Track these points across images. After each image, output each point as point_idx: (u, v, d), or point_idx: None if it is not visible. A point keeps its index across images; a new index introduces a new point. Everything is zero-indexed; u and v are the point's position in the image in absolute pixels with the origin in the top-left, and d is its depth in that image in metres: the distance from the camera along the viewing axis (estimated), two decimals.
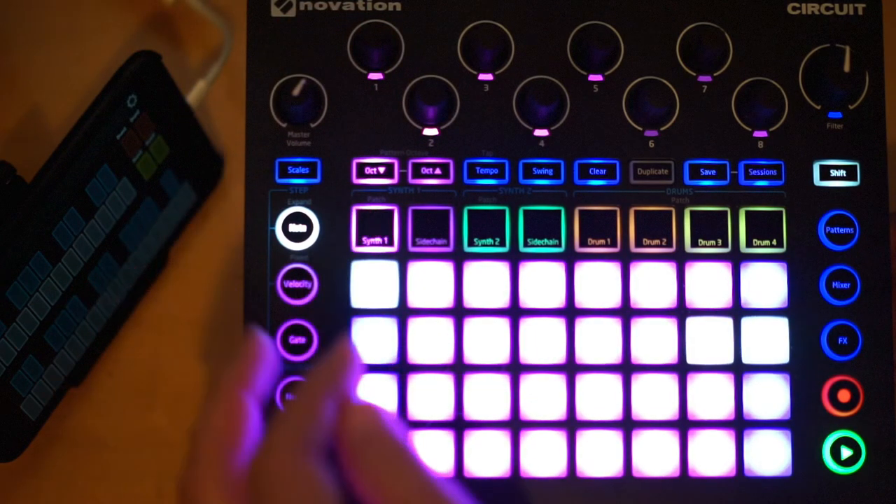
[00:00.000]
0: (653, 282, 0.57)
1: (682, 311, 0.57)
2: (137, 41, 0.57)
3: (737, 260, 0.58)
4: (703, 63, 0.58)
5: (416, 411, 0.57)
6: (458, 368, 0.57)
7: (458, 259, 0.57)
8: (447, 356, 0.57)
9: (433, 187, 0.58)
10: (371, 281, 0.57)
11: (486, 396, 0.57)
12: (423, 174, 0.57)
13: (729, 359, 0.57)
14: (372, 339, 0.57)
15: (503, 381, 0.57)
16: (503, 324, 0.57)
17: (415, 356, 0.57)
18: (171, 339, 0.57)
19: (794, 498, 0.57)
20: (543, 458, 0.57)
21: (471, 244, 0.57)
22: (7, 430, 0.55)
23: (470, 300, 0.57)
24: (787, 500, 0.57)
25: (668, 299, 0.57)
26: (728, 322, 0.57)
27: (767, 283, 0.57)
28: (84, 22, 0.57)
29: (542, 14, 0.58)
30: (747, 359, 0.57)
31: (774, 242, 0.58)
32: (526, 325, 0.57)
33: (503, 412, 0.57)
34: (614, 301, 0.57)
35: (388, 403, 0.57)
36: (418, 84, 0.58)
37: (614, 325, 0.57)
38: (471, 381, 0.57)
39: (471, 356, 0.57)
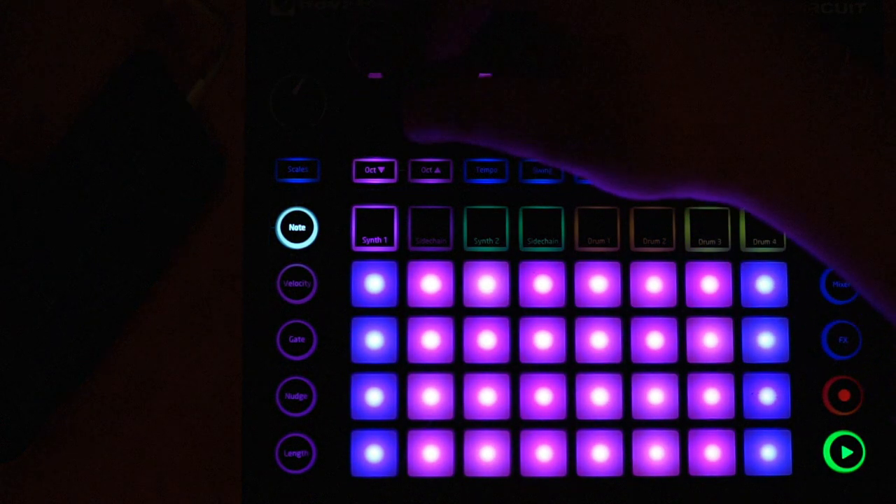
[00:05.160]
0: (653, 281, 0.57)
1: (682, 310, 0.57)
2: (137, 41, 0.57)
3: (737, 259, 0.58)
4: None
5: (416, 411, 0.57)
6: (458, 368, 0.57)
7: (458, 259, 0.57)
8: (447, 356, 0.57)
9: (433, 187, 0.57)
10: (371, 281, 0.57)
11: (486, 396, 0.57)
12: (423, 174, 0.57)
13: (729, 358, 0.57)
14: (371, 339, 0.57)
15: (503, 380, 0.57)
16: (503, 323, 0.57)
17: (415, 356, 0.57)
18: (170, 339, 0.57)
19: (794, 498, 0.57)
20: (543, 457, 0.57)
21: (471, 244, 0.57)
22: (7, 430, 0.55)
23: (470, 300, 0.57)
24: (787, 500, 0.57)
25: (668, 299, 0.57)
26: (728, 322, 0.57)
27: (767, 282, 0.57)
28: (84, 22, 0.57)
29: None
30: (747, 359, 0.57)
31: (774, 242, 0.58)
32: (526, 324, 0.57)
33: (503, 412, 0.57)
34: (614, 300, 0.57)
35: (389, 403, 0.57)
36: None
37: (614, 324, 0.57)
38: (471, 381, 0.57)
39: (471, 356, 0.57)
